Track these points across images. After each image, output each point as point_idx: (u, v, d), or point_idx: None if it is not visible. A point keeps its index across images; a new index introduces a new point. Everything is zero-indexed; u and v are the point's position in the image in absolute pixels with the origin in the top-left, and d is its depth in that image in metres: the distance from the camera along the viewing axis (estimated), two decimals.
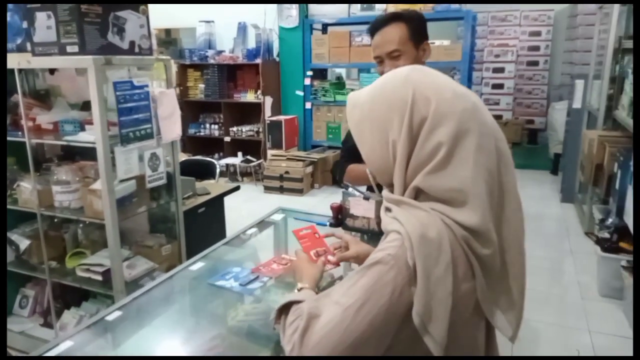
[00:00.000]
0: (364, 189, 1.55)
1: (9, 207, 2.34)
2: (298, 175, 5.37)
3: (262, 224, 1.69)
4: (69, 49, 1.89)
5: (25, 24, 1.96)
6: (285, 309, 0.91)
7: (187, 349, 1.06)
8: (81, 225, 2.52)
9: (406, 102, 0.84)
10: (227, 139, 6.00)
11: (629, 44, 3.75)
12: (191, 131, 6.21)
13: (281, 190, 5.43)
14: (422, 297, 0.77)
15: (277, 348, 0.95)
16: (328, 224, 1.55)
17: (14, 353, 2.53)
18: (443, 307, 0.78)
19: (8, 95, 2.33)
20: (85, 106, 2.33)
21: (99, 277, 2.28)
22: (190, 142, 6.17)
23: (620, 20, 3.99)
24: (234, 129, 5.98)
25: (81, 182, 2.28)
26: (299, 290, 0.97)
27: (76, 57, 1.89)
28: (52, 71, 2.48)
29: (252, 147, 5.91)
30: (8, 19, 1.99)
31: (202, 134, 6.21)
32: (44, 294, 2.67)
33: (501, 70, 7.73)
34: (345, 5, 5.40)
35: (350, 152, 1.68)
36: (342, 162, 1.71)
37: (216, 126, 6.12)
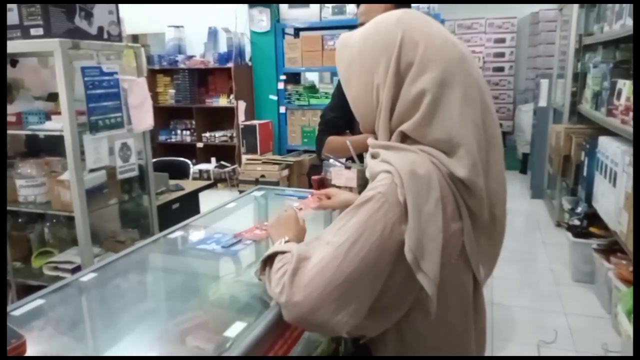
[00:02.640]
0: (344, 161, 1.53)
1: None
2: (274, 179, 5.32)
3: (242, 200, 1.65)
4: (32, 32, 1.83)
5: None
6: (270, 260, 0.88)
7: (166, 320, 1.01)
8: (48, 223, 2.41)
9: (394, 45, 0.82)
10: (199, 144, 5.91)
11: (589, 40, 3.91)
12: (162, 138, 6.10)
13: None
14: (414, 233, 0.76)
15: (262, 313, 0.91)
16: (309, 196, 1.53)
17: None
18: (434, 243, 0.77)
19: None
20: (51, 98, 2.25)
21: (69, 275, 2.18)
22: (160, 149, 6.05)
23: (579, 21, 4.17)
24: (207, 134, 5.90)
25: (47, 176, 2.19)
26: (286, 242, 0.94)
27: (41, 40, 1.82)
28: (13, 63, 2.39)
29: (226, 153, 5.84)
30: None
31: (173, 140, 6.10)
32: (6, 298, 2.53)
33: None
34: (317, 10, 5.44)
35: (328, 125, 1.67)
36: (320, 135, 1.70)
37: (188, 132, 6.02)
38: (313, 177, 1.54)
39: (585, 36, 4.08)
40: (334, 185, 1.43)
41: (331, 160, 1.46)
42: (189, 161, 3.57)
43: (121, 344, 0.91)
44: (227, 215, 1.53)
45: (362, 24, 1.62)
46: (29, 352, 0.73)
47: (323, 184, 1.49)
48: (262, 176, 5.34)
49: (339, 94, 1.73)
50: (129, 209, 2.43)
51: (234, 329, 0.87)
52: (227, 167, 5.73)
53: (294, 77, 5.97)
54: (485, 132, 0.83)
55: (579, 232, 3.10)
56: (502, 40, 8.02)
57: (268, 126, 5.73)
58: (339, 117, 1.67)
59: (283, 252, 0.87)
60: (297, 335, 0.98)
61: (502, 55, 8.06)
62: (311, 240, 0.86)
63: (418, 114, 0.81)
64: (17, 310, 0.94)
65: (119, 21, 2.13)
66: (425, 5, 4.99)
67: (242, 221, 1.43)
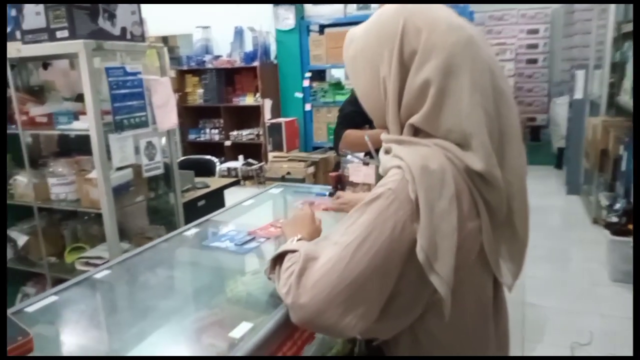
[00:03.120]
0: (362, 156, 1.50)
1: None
2: (300, 176, 5.32)
3: (260, 197, 1.64)
4: (58, 34, 1.87)
5: (14, 12, 1.94)
6: (279, 259, 0.86)
7: (185, 319, 1.00)
8: (80, 220, 2.48)
9: (396, 34, 0.78)
10: (227, 143, 5.97)
11: (628, 27, 3.72)
12: (191, 136, 6.20)
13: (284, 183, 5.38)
14: (426, 231, 0.72)
15: (278, 312, 0.89)
16: (327, 194, 1.51)
17: None
18: (448, 242, 0.73)
19: None
20: (80, 98, 2.30)
21: None
22: (190, 147, 6.15)
23: (618, 7, 3.96)
24: (234, 132, 5.95)
25: (77, 174, 2.24)
26: (298, 240, 0.91)
27: (66, 42, 1.86)
28: (45, 66, 2.46)
29: (252, 151, 5.88)
30: None
31: (202, 139, 6.19)
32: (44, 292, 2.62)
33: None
34: (341, 6, 5.40)
35: (346, 119, 1.64)
36: (338, 129, 1.67)
37: (216, 131, 6.10)
38: (331, 174, 1.51)
39: (624, 23, 3.89)
40: (351, 182, 1.40)
41: (349, 156, 1.43)
42: (215, 159, 3.60)
43: (137, 341, 0.91)
44: (244, 212, 1.53)
45: None
46: (39, 350, 0.73)
47: (341, 180, 1.46)
48: (288, 173, 5.35)
49: None
50: (156, 206, 2.47)
51: (240, 330, 0.85)
52: (253, 164, 5.77)
53: (319, 74, 5.94)
54: (499, 121, 0.78)
55: (617, 230, 2.95)
56: (535, 31, 7.76)
57: (294, 124, 5.73)
58: (357, 111, 1.63)
59: (293, 251, 0.84)
60: (308, 337, 0.96)
61: (535, 46, 7.80)
62: (320, 239, 0.83)
63: (425, 106, 0.77)
64: (30, 306, 0.95)
65: (141, 22, 2.16)
66: None
67: (259, 218, 1.42)
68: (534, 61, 7.87)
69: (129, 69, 2.07)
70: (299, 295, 0.75)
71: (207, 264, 1.23)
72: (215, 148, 6.08)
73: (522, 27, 7.83)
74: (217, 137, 6.07)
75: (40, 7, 1.87)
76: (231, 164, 5.86)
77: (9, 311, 0.91)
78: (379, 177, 1.29)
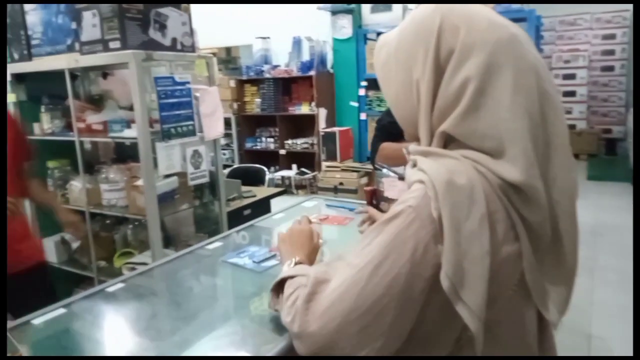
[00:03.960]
0: (401, 170, 1.41)
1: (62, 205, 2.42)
2: (352, 187, 5.25)
3: (291, 210, 1.60)
4: (111, 45, 1.93)
5: (74, 25, 2.04)
6: (280, 287, 0.80)
7: (207, 336, 0.96)
8: (130, 226, 2.56)
9: (432, 33, 0.70)
10: (282, 151, 6.02)
11: None
12: (248, 145, 6.32)
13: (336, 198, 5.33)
14: (451, 255, 0.63)
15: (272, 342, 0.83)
16: (354, 209, 1.43)
17: None
18: (479, 268, 0.63)
19: (62, 99, 2.43)
20: (133, 107, 2.38)
21: None
22: (247, 156, 6.27)
23: None
24: (289, 141, 6.00)
25: (128, 181, 2.31)
26: (296, 264, 0.84)
27: (117, 52, 1.92)
28: (104, 76, 2.58)
29: (306, 160, 5.89)
30: (58, 21, 2.08)
31: (258, 147, 6.29)
32: None
33: (572, 76, 7.23)
34: (399, 13, 5.30)
35: (383, 130, 1.55)
36: (375, 141, 1.59)
37: (272, 139, 6.17)
38: (365, 188, 1.43)
39: None
40: (386, 197, 1.32)
41: (385, 170, 1.34)
42: (265, 168, 3.61)
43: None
44: (273, 225, 1.48)
45: None
46: None
47: (376, 195, 1.38)
48: (341, 184, 5.30)
49: None
50: (202, 214, 2.49)
51: None
52: (307, 173, 5.77)
53: (375, 83, 5.82)
54: (544, 128, 0.68)
55: None
56: (612, 37, 7.22)
57: (348, 133, 5.68)
58: (395, 122, 1.54)
59: (292, 277, 0.78)
60: None
61: (611, 52, 7.25)
62: (333, 259, 0.76)
63: (460, 106, 0.68)
64: (37, 318, 0.94)
65: (192, 32, 2.20)
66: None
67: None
68: (610, 68, 7.31)
69: (178, 79, 2.10)
70: (307, 323, 0.68)
71: (217, 283, 1.19)
72: (270, 157, 6.16)
73: (596, 32, 7.32)
74: (272, 146, 6.15)
75: (97, 20, 1.95)
76: (285, 173, 5.90)
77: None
78: None
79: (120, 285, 1.09)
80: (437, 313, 0.69)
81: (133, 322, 1.01)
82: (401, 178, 1.29)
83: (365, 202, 1.43)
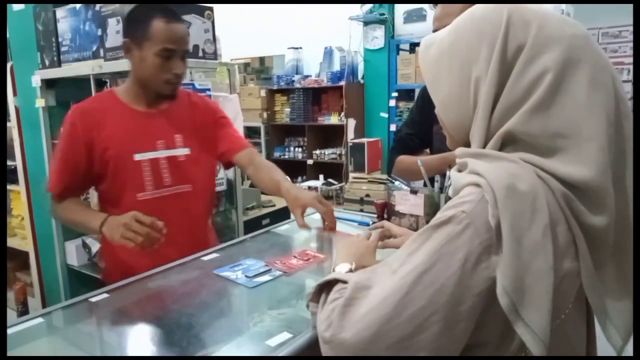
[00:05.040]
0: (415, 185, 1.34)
1: None
2: (379, 199, 5.15)
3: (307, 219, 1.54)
4: None
5: (99, 32, 2.07)
6: (327, 287, 0.74)
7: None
8: None
9: (499, 26, 0.65)
10: (309, 162, 6.00)
11: None
12: (276, 154, 6.32)
13: (362, 212, 5.25)
14: (511, 268, 0.56)
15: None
16: (371, 223, 1.36)
17: None
18: (543, 285, 0.56)
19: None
20: None
21: None
22: (275, 165, 6.27)
23: None
24: (317, 151, 5.97)
25: None
26: (353, 270, 0.79)
27: None
28: None
29: (334, 170, 5.83)
30: (86, 28, 2.12)
31: (286, 157, 6.29)
32: None
33: None
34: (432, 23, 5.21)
35: (401, 143, 1.49)
36: (391, 153, 1.52)
37: (300, 149, 6.16)
38: (376, 202, 1.36)
39: None
40: (397, 211, 1.24)
41: (397, 183, 1.27)
42: (287, 178, 3.58)
43: None
44: (275, 238, 1.44)
45: (435, 31, 1.42)
46: None
47: (387, 209, 1.31)
48: (367, 195, 5.19)
49: (417, 108, 1.54)
50: (219, 222, 2.47)
51: None
52: (334, 184, 5.71)
53: (407, 94, 5.77)
54: (619, 131, 0.62)
55: None
56: None
57: (377, 144, 5.59)
58: (414, 134, 1.48)
59: (344, 282, 0.71)
60: None
61: None
62: (377, 266, 0.70)
63: (529, 102, 0.62)
64: (14, 327, 0.92)
65: (214, 40, 2.20)
66: (558, 10, 4.44)
67: (287, 246, 1.32)
68: None
69: (198, 85, 2.10)
70: (341, 329, 0.62)
71: (199, 298, 1.14)
72: (298, 166, 6.15)
73: None
74: (300, 156, 6.13)
75: (120, 26, 1.97)
76: (312, 183, 5.86)
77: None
78: (430, 208, 1.12)
79: (105, 295, 1.07)
80: (495, 334, 0.62)
81: (101, 337, 0.98)
82: (413, 192, 1.22)
83: (375, 215, 1.37)
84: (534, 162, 0.61)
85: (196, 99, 1.64)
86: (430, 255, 0.60)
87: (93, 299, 1.04)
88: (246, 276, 1.10)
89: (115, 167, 1.43)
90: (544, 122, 0.61)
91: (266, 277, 1.10)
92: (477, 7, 0.70)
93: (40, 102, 2.41)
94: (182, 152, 1.50)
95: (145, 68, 1.41)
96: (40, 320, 0.95)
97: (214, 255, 1.25)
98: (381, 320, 0.59)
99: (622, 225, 0.63)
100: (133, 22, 1.43)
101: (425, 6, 5.21)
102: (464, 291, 0.58)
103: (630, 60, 6.93)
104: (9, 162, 2.89)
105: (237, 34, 6.33)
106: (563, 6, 4.43)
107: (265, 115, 6.26)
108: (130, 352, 0.89)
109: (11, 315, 3.10)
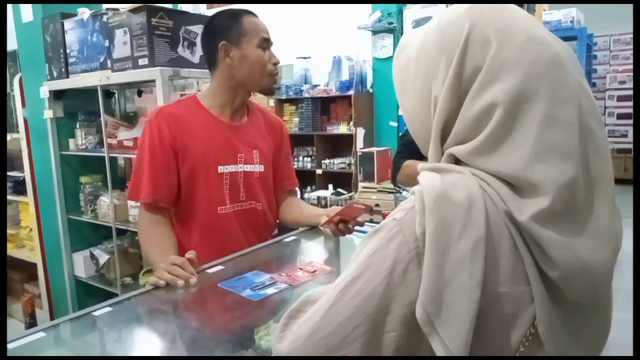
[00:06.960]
0: None
1: (91, 220, 2.44)
2: (389, 209, 5.10)
3: (307, 233, 1.51)
4: (140, 62, 1.94)
5: (107, 43, 2.07)
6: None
7: None
8: None
9: (457, 42, 0.59)
10: (319, 171, 5.97)
11: None
12: None
13: (371, 223, 5.19)
14: (430, 281, 0.52)
15: None
16: None
17: None
18: (465, 301, 0.52)
19: (97, 116, 2.47)
20: None
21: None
22: None
23: None
24: (326, 161, 5.94)
25: None
26: None
27: (145, 69, 1.93)
28: (139, 93, 2.61)
29: (343, 180, 5.80)
30: (93, 39, 2.12)
31: (295, 166, 6.24)
32: None
33: (628, 98, 6.82)
34: None
35: (407, 147, 1.44)
36: (397, 158, 1.47)
37: (309, 159, 6.14)
38: (383, 213, 1.32)
39: None
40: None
41: (403, 192, 1.23)
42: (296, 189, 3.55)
43: None
44: (281, 249, 1.41)
45: None
46: None
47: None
48: (377, 205, 5.15)
49: None
50: None
51: None
52: (343, 194, 5.67)
53: None
54: (585, 170, 0.56)
55: None
56: None
57: (386, 154, 5.55)
58: None
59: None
60: None
61: None
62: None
63: (478, 138, 0.57)
64: (20, 340, 0.90)
65: None
66: (568, 16, 4.39)
67: (292, 258, 1.29)
68: None
69: None
70: (279, 339, 0.62)
71: (207, 311, 1.11)
72: (307, 176, 6.12)
73: None
74: (309, 165, 6.11)
75: (127, 37, 1.97)
76: (321, 193, 5.83)
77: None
78: None
79: (107, 309, 1.04)
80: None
81: (106, 350, 0.95)
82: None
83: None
84: (483, 178, 0.58)
85: (273, 119, 1.63)
86: (360, 263, 0.58)
87: (97, 313, 1.02)
88: (251, 289, 1.07)
89: (199, 178, 1.38)
90: (490, 163, 0.57)
91: (271, 290, 1.07)
92: (448, 11, 0.65)
93: (48, 113, 2.41)
94: (257, 168, 1.47)
95: (250, 63, 1.41)
96: (43, 334, 0.94)
97: (219, 267, 1.22)
98: (310, 331, 0.58)
99: (594, 281, 0.56)
100: (222, 26, 1.40)
101: (434, 14, 5.18)
102: (392, 301, 0.55)
103: None
104: (17, 174, 2.90)
105: None
106: (574, 12, 4.38)
107: None
108: None
109: (19, 326, 3.10)
